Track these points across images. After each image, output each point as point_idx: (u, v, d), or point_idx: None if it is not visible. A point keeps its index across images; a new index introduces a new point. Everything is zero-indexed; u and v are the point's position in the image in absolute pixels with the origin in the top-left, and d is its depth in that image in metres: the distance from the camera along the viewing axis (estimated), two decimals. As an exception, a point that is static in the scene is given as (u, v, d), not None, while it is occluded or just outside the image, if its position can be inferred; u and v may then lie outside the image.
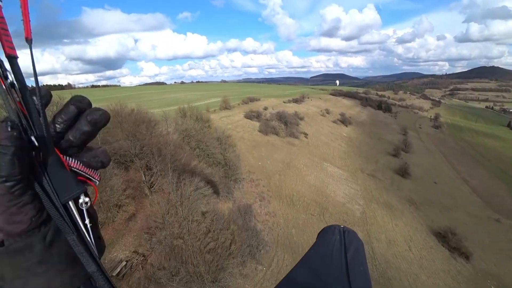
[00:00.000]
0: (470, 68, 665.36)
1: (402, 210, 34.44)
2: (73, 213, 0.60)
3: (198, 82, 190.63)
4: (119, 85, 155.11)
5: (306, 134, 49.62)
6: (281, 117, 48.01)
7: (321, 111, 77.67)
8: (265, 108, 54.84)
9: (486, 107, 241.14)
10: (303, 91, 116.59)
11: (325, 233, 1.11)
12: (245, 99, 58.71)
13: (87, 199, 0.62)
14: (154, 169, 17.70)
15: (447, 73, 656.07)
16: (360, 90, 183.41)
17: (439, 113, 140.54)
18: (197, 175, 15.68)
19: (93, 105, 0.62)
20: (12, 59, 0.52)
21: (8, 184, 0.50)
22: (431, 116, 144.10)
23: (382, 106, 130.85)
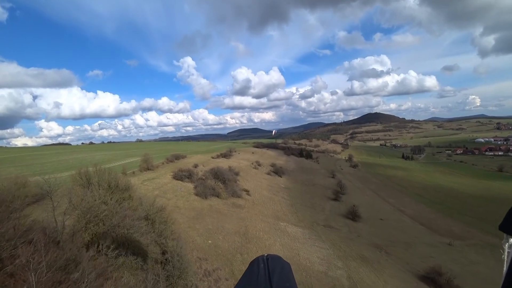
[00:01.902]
0: (359, 116, 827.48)
1: (378, 260, 31.09)
2: None
3: (110, 142, 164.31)
4: (5, 147, 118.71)
5: (247, 191, 44.25)
6: (217, 174, 41.84)
7: (252, 164, 75.18)
8: (195, 166, 47.83)
9: (381, 144, 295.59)
10: (227, 145, 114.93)
11: (249, 267, 1.15)
12: (170, 157, 50.53)
13: None
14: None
15: (344, 120, 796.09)
16: (279, 141, 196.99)
17: (352, 154, 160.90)
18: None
19: None
20: None
21: None
22: (345, 158, 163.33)
23: (304, 153, 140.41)
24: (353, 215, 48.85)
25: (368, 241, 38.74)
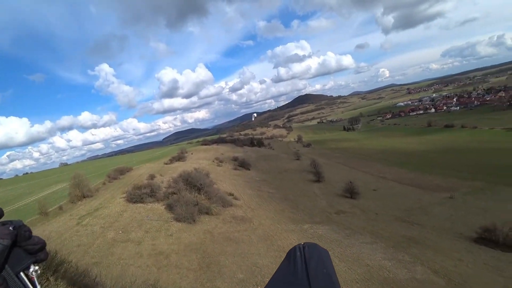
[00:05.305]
0: (291, 100, 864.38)
1: (425, 237, 26.03)
2: (24, 280, 0.79)
3: (26, 174, 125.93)
4: None
5: (232, 194, 34.97)
6: (189, 181, 31.34)
7: (213, 161, 65.19)
8: (152, 177, 36.01)
9: (318, 122, 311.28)
10: (171, 149, 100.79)
11: (286, 257, 1.15)
12: (112, 173, 37.29)
13: (36, 267, 0.82)
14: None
15: (278, 106, 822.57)
16: (223, 134, 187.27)
17: (300, 135, 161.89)
18: None
19: None
20: None
21: None
22: (294, 139, 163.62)
23: (255, 142, 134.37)
24: (351, 192, 44.09)
25: (389, 216, 33.97)
